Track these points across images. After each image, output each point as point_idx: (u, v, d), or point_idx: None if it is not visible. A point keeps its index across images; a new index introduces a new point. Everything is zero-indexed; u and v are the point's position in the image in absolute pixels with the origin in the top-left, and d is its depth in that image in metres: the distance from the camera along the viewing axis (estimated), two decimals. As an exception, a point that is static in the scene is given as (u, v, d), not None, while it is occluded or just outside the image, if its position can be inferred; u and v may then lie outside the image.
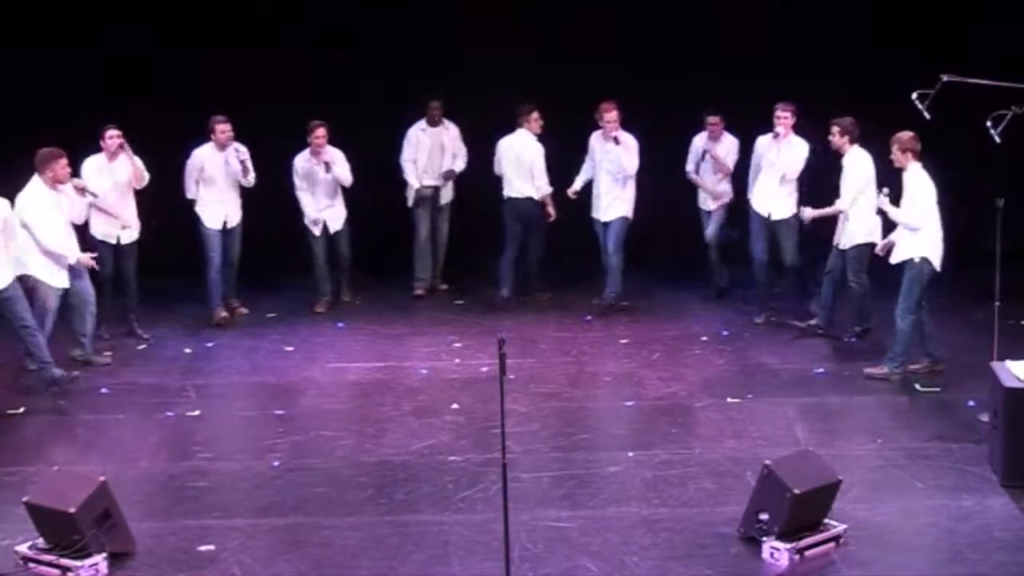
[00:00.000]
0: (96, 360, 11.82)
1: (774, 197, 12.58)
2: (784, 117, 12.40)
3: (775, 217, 12.61)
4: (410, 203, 13.80)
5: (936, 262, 10.98)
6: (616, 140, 12.94)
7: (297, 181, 13.26)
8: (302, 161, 13.23)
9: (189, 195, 12.87)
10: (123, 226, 12.23)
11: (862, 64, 13.64)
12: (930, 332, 11.28)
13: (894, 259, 11.12)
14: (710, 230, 13.43)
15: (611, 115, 12.90)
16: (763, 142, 12.64)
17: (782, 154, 12.46)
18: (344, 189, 13.36)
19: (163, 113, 13.35)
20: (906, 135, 11.07)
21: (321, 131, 13.05)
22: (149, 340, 12.50)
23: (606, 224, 13.17)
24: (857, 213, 11.76)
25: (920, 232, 10.94)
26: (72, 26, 13.71)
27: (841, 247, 11.94)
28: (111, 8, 13.72)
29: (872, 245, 11.66)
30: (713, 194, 13.38)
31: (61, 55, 13.63)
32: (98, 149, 12.11)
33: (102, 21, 13.73)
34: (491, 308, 13.33)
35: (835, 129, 11.80)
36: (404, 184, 13.77)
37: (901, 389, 11.09)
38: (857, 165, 11.76)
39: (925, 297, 11.08)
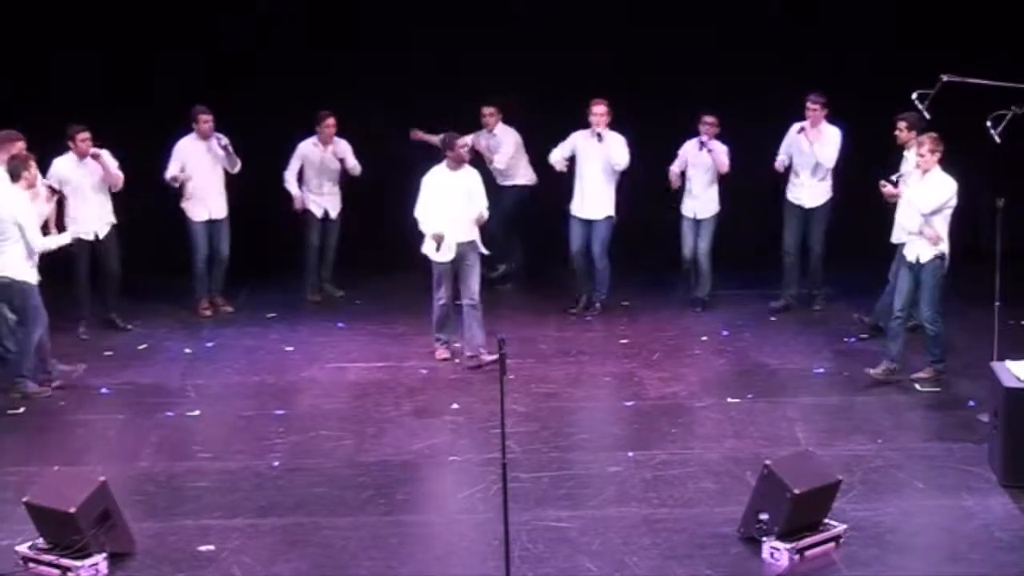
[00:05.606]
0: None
1: (807, 186, 12.70)
2: (814, 108, 12.47)
3: (808, 206, 12.74)
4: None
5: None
6: (599, 136, 12.78)
7: (294, 163, 13.28)
8: (309, 146, 13.30)
9: (168, 175, 12.71)
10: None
11: (861, 64, 13.65)
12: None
13: (911, 257, 11.04)
14: (690, 243, 13.00)
15: (599, 108, 12.75)
16: (793, 132, 12.64)
17: (815, 145, 12.53)
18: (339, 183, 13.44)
19: (161, 113, 13.33)
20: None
21: (331, 120, 13.21)
22: (130, 328, 12.57)
23: (590, 223, 13.02)
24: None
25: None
26: (75, 26, 13.71)
27: (894, 241, 11.94)
28: (112, 8, 13.74)
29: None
30: (699, 202, 12.96)
31: (60, 55, 13.65)
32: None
33: (102, 21, 13.74)
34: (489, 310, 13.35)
35: (902, 124, 11.78)
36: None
37: (901, 389, 11.08)
38: None
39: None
